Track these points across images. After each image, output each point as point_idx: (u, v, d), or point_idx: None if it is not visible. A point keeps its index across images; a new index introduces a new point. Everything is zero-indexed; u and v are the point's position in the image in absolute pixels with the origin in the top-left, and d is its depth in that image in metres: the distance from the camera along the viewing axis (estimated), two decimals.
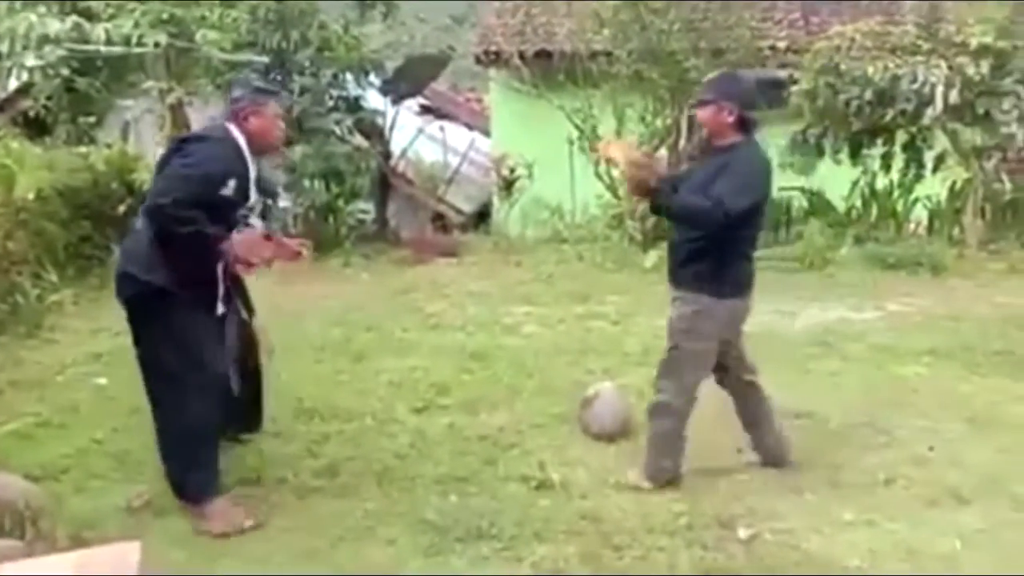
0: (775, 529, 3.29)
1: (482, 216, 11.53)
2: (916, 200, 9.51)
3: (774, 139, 9.16)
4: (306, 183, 9.46)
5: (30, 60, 8.76)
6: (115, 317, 6.27)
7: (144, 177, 7.56)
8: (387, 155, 10.70)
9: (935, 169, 8.95)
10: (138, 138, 10.12)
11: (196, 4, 8.79)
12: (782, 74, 9.00)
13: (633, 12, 9.15)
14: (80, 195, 7.74)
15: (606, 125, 9.60)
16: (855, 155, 9.01)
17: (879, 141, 8.96)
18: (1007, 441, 4.10)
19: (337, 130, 9.66)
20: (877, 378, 5.05)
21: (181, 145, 3.38)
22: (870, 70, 8.17)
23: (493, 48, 11.13)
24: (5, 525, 3.14)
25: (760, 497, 3.55)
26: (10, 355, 5.53)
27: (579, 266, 8.45)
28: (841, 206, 9.73)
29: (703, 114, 3.51)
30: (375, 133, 10.54)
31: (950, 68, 8.01)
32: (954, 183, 9.11)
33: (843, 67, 8.38)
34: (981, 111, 8.13)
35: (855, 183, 9.58)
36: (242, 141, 3.39)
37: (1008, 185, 9.27)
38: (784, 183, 9.68)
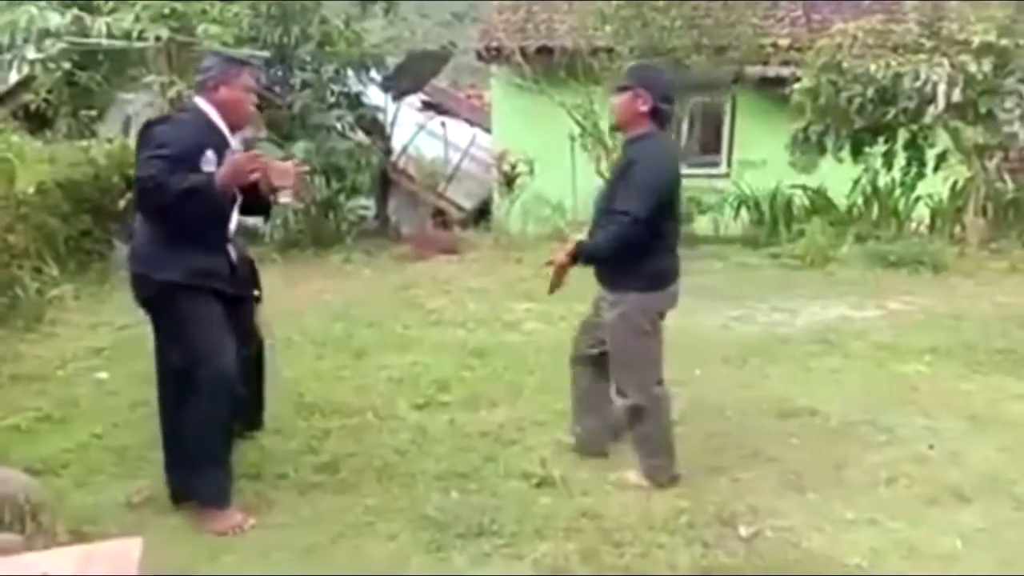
0: (776, 527, 3.29)
1: (483, 212, 11.52)
2: (918, 198, 9.51)
3: (777, 137, 9.21)
4: (307, 179, 9.45)
5: (31, 53, 8.75)
6: (116, 311, 6.33)
7: None
8: (388, 151, 10.70)
9: (937, 168, 8.95)
10: None
11: None
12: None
13: (635, 9, 9.15)
14: (81, 189, 7.73)
15: (607, 121, 9.58)
16: (857, 153, 9.00)
17: (881, 139, 8.95)
18: (1008, 440, 4.09)
19: (338, 126, 9.66)
20: (878, 376, 5.04)
21: (147, 131, 3.28)
22: (872, 68, 8.16)
23: (494, 44, 11.12)
24: (5, 519, 3.14)
25: (761, 495, 3.54)
26: (10, 349, 5.52)
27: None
28: (843, 204, 9.72)
29: (619, 100, 3.49)
30: (376, 129, 10.53)
31: (952, 66, 8.00)
32: (956, 182, 9.11)
33: (845, 65, 8.37)
34: (983, 110, 8.12)
35: (857, 181, 9.57)
36: (213, 113, 3.29)
37: (1010, 184, 9.28)
38: (786, 181, 9.72)
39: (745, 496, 3.53)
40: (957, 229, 9.18)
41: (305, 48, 9.30)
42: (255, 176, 3.15)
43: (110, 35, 8.13)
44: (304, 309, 6.55)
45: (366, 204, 10.64)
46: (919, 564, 3.06)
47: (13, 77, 10.32)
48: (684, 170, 10.55)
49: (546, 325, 6.17)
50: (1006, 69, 8.15)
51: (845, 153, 8.96)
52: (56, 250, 7.10)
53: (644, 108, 3.41)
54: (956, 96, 7.93)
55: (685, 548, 3.13)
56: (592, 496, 3.53)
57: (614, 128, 3.62)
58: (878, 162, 9.14)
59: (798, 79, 8.87)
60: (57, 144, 8.59)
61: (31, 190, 6.82)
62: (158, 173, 3.03)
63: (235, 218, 3.40)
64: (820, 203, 9.79)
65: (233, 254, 3.36)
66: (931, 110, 8.04)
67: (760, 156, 10.03)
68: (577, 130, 9.77)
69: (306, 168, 3.74)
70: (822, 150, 8.93)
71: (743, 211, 10.21)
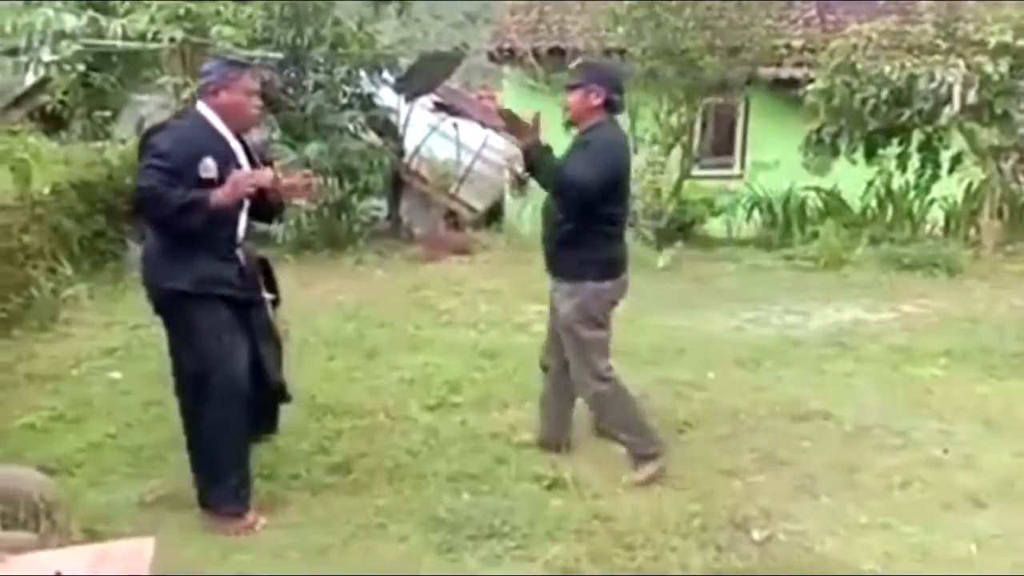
0: (789, 531, 3.27)
1: (494, 214, 11.52)
2: (932, 200, 9.44)
3: (791, 138, 9.17)
4: (320, 180, 9.47)
5: (47, 55, 8.82)
6: (129, 311, 6.36)
7: None
8: (400, 152, 10.71)
9: (951, 169, 8.88)
10: None
11: (211, 0, 8.81)
12: None
13: (647, 9, 9.12)
14: (95, 190, 7.77)
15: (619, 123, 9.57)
16: (871, 155, 8.94)
17: (895, 141, 8.89)
18: None
19: (351, 127, 9.68)
20: (892, 380, 5.01)
21: (146, 139, 3.28)
22: (887, 69, 8.11)
23: (507, 45, 11.13)
24: (20, 517, 3.15)
25: (774, 498, 3.53)
26: (25, 348, 5.56)
27: None
28: (856, 206, 9.67)
29: (572, 99, 3.56)
30: (388, 130, 10.55)
31: (968, 67, 7.93)
32: (971, 184, 9.04)
33: (859, 66, 8.32)
34: (999, 111, 8.05)
35: (871, 183, 9.52)
36: (213, 118, 3.26)
37: None
38: (800, 183, 9.68)
39: (758, 499, 3.52)
40: (972, 231, 9.11)
41: (318, 49, 9.32)
42: (253, 191, 3.18)
43: (125, 37, 8.18)
44: (317, 310, 6.56)
45: (378, 205, 10.65)
46: (933, 569, 3.04)
47: (29, 79, 10.41)
48: (697, 171, 10.49)
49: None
50: (1023, 70, 8.08)
51: (859, 155, 8.91)
52: (70, 250, 7.14)
53: (597, 102, 3.52)
54: (971, 97, 7.87)
55: (697, 551, 3.12)
56: (604, 498, 3.53)
57: (569, 125, 3.67)
58: (892, 164, 9.08)
59: (812, 80, 8.83)
60: (72, 145, 8.64)
61: (46, 191, 6.87)
62: (157, 185, 3.04)
63: (244, 222, 3.38)
64: (834, 205, 9.74)
65: (243, 258, 3.36)
66: (946, 111, 7.99)
67: (773, 157, 9.99)
68: None
69: (314, 178, 3.78)
70: (836, 152, 8.88)
71: (756, 213, 10.17)
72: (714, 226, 10.16)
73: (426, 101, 12.44)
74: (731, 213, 10.20)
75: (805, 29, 11.02)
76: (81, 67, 9.20)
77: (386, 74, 10.33)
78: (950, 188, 9.23)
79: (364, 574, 3.01)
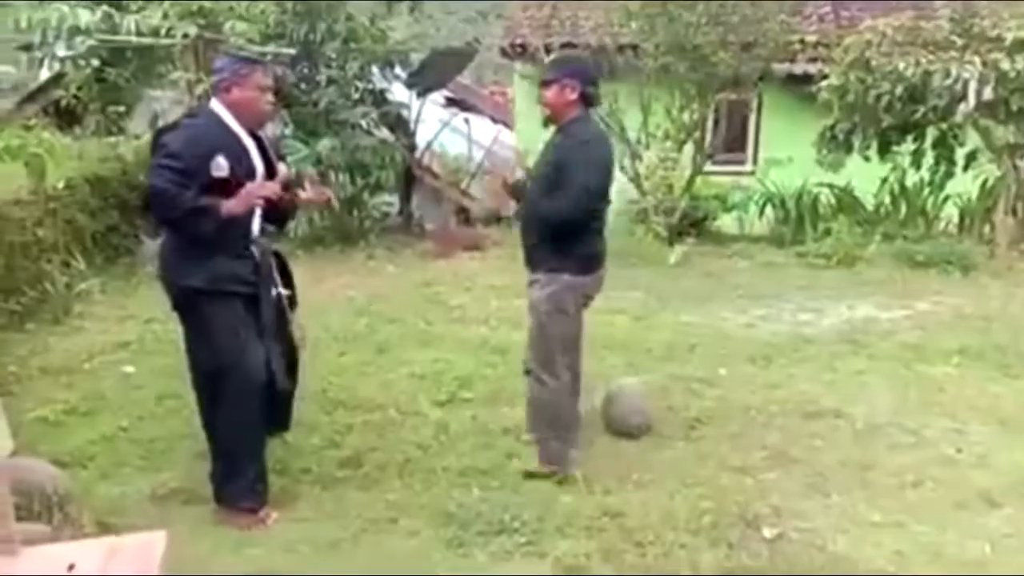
0: (800, 529, 3.26)
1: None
2: (947, 198, 9.36)
3: (804, 135, 9.12)
4: (332, 175, 9.49)
5: (61, 51, 8.85)
6: (142, 306, 6.40)
7: None
8: (412, 148, 10.71)
9: (966, 167, 8.80)
10: None
11: None
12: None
13: (660, 5, 9.07)
14: (109, 185, 7.82)
15: (632, 118, 9.55)
16: (885, 151, 8.87)
17: (909, 138, 8.82)
18: None
19: (363, 123, 9.68)
20: (905, 378, 4.98)
21: (158, 138, 3.30)
22: (901, 65, 8.03)
23: (519, 41, 11.11)
24: (34, 509, 3.18)
25: (786, 496, 3.52)
26: (39, 342, 5.60)
27: None
28: (870, 203, 9.61)
29: (548, 94, 3.56)
30: (400, 126, 10.55)
31: (984, 64, 7.85)
32: (986, 181, 8.96)
33: (874, 62, 8.25)
34: (1015, 108, 7.97)
35: (884, 180, 9.45)
36: (226, 115, 3.26)
37: None
38: (813, 179, 9.62)
39: (769, 497, 3.51)
40: (987, 229, 9.01)
41: (331, 45, 9.32)
42: (263, 203, 3.23)
43: (139, 32, 8.20)
44: (328, 305, 6.58)
45: (390, 201, 10.65)
46: (946, 569, 3.02)
47: (44, 74, 10.46)
48: (709, 168, 10.43)
49: None
50: None
51: (873, 151, 8.84)
52: (84, 245, 7.18)
53: (573, 96, 3.51)
54: (987, 94, 7.80)
55: (708, 548, 3.11)
56: (614, 495, 3.52)
57: (547, 121, 3.65)
58: (906, 161, 9.01)
59: (826, 76, 8.77)
60: (86, 140, 8.68)
61: (60, 186, 6.90)
62: (169, 187, 3.06)
63: (259, 218, 3.39)
64: (847, 202, 9.68)
65: (258, 255, 3.36)
66: (961, 108, 7.91)
67: (786, 154, 9.93)
68: (601, 127, 9.72)
69: (328, 195, 3.90)
70: (849, 148, 8.81)
71: (769, 209, 10.12)
72: (726, 222, 10.12)
73: (438, 97, 12.44)
74: (743, 209, 10.15)
75: (819, 25, 10.95)
76: (95, 62, 9.23)
77: (398, 70, 10.32)
78: (965, 185, 9.15)
79: (374, 569, 3.02)
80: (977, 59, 7.88)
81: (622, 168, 9.57)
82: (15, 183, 6.24)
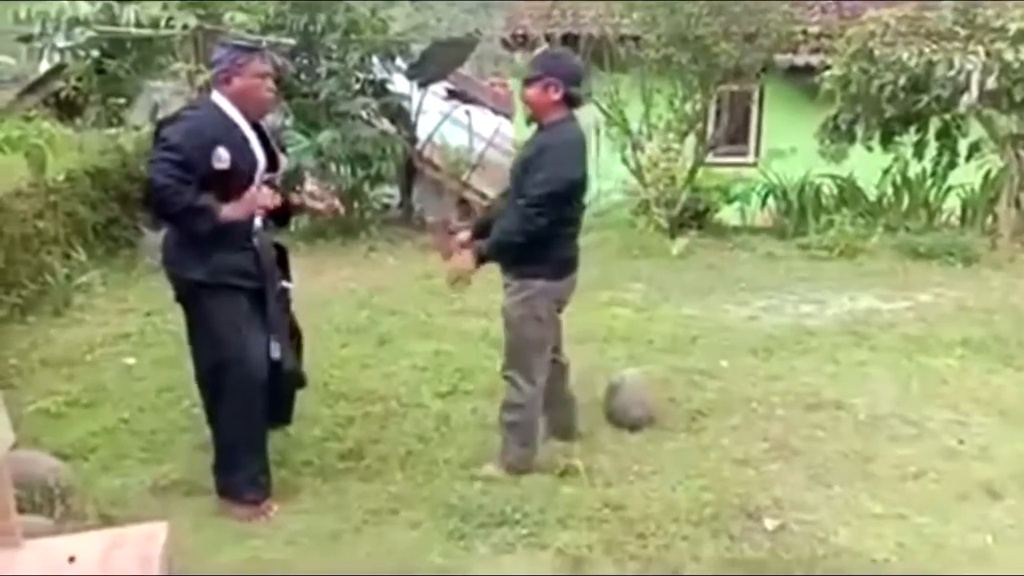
0: (802, 520, 3.26)
1: None
2: (949, 189, 9.34)
3: (806, 126, 9.09)
4: (332, 167, 9.48)
5: (61, 42, 8.84)
6: (143, 298, 6.39)
7: None
8: (413, 140, 10.69)
9: (969, 157, 8.78)
10: None
11: None
12: None
13: None
14: (109, 177, 7.80)
15: (633, 110, 9.52)
16: (887, 142, 8.84)
17: (912, 128, 8.79)
18: None
19: (364, 114, 9.66)
20: (907, 369, 4.97)
21: (159, 130, 3.28)
22: (904, 55, 8.00)
23: (520, 32, 11.06)
24: (35, 501, 3.18)
25: (787, 488, 3.51)
26: (40, 334, 5.60)
27: (603, 252, 8.38)
28: (872, 194, 9.58)
29: (530, 92, 3.45)
30: (401, 117, 10.53)
31: (988, 54, 7.81)
32: (989, 172, 8.94)
33: (877, 53, 8.21)
34: (1019, 98, 7.93)
35: (887, 171, 9.42)
36: (227, 106, 3.24)
37: None
38: (815, 170, 9.59)
39: (771, 489, 3.50)
40: (989, 220, 9.00)
41: (331, 36, 9.29)
42: (262, 212, 3.23)
43: (138, 23, 8.18)
44: (330, 297, 6.57)
45: (391, 193, 10.64)
46: (948, 560, 3.02)
47: (44, 65, 10.44)
48: (711, 159, 10.38)
49: (569, 315, 6.12)
50: None
51: (875, 142, 8.82)
52: (85, 237, 7.17)
53: (556, 96, 3.40)
54: (990, 84, 7.76)
55: (710, 540, 3.11)
56: (615, 486, 3.52)
57: (530, 120, 3.57)
58: (909, 151, 8.99)
59: (828, 67, 8.73)
60: (87, 132, 8.66)
61: (61, 177, 6.89)
62: (170, 183, 3.03)
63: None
64: (849, 193, 9.65)
65: (259, 247, 3.34)
66: (964, 99, 7.87)
67: (788, 145, 9.90)
68: (602, 118, 9.70)
69: (337, 207, 4.10)
70: (852, 139, 8.78)
71: (771, 201, 10.10)
72: (728, 214, 10.10)
73: (439, 88, 12.42)
74: (745, 201, 10.13)
75: (822, 15, 10.90)
76: (95, 54, 9.21)
77: (399, 61, 10.30)
78: (967, 176, 9.13)
79: (376, 560, 3.02)
80: (980, 49, 7.84)
81: (624, 160, 9.57)
82: (16, 175, 6.22)
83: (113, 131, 8.78)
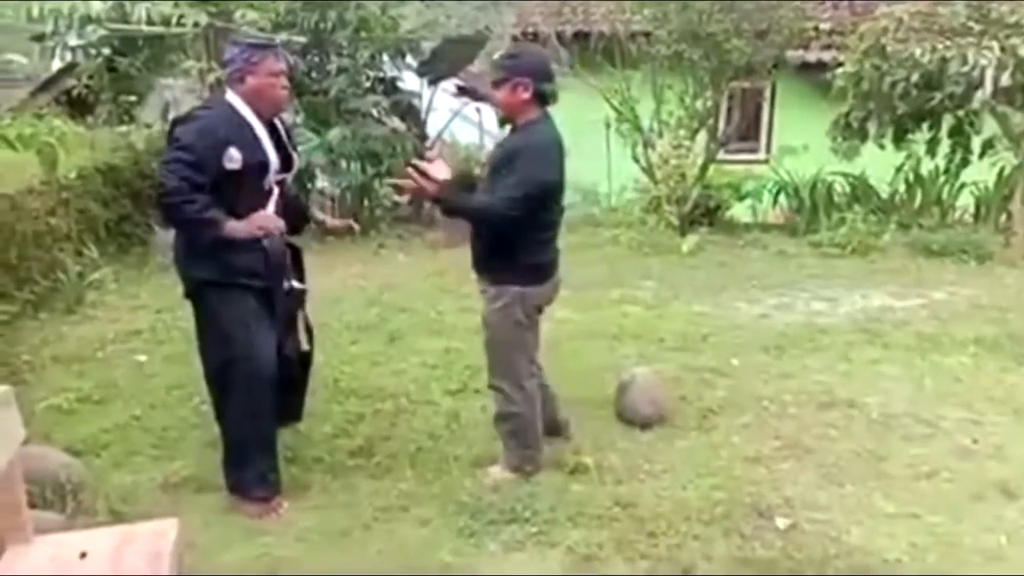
0: (814, 520, 3.24)
1: None
2: (962, 186, 9.28)
3: (818, 123, 9.04)
4: (343, 164, 9.48)
5: (73, 40, 8.87)
6: (154, 295, 6.41)
7: None
8: (423, 137, 10.69)
9: (983, 154, 8.71)
10: None
11: None
12: None
13: None
14: (121, 174, 7.84)
15: (644, 106, 9.49)
16: (900, 139, 8.79)
17: (925, 125, 8.73)
18: None
19: (374, 112, 9.66)
20: (920, 368, 4.93)
21: (172, 130, 3.27)
22: (917, 52, 7.94)
23: (530, 29, 11.05)
24: (47, 497, 3.20)
25: (799, 487, 3.49)
26: (52, 331, 5.62)
27: (614, 250, 8.38)
28: (884, 191, 9.52)
29: (500, 95, 3.36)
30: (411, 115, 10.52)
31: (1002, 50, 7.74)
32: (1002, 169, 8.86)
33: (889, 49, 8.16)
34: None
35: (899, 168, 9.36)
36: (241, 106, 3.22)
37: None
38: (827, 168, 9.54)
39: (782, 488, 3.48)
40: (1003, 218, 8.93)
41: (341, 33, 9.29)
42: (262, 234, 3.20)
43: (149, 21, 8.20)
44: (340, 295, 6.58)
45: None
46: (961, 560, 2.99)
47: (56, 64, 10.48)
48: (722, 156, 10.31)
49: (579, 313, 6.13)
50: None
51: (888, 139, 8.76)
52: (97, 234, 7.21)
53: (526, 95, 3.31)
54: (1005, 80, 7.69)
55: (721, 539, 3.10)
56: (626, 484, 3.51)
57: (503, 122, 3.50)
58: (922, 149, 8.92)
59: (840, 64, 8.68)
60: (98, 129, 8.70)
61: (72, 175, 6.92)
62: (182, 185, 3.02)
63: (272, 212, 3.34)
64: (861, 190, 9.59)
65: (269, 248, 3.33)
66: (978, 95, 7.80)
67: (800, 142, 9.85)
68: (613, 115, 9.68)
69: (351, 224, 4.07)
70: (864, 136, 8.72)
71: (782, 198, 10.05)
72: (739, 211, 10.06)
73: (448, 85, 12.40)
74: (757, 198, 10.08)
75: (834, 11, 10.85)
76: (107, 52, 9.24)
77: (409, 58, 10.29)
78: (981, 174, 9.06)
79: (386, 557, 3.01)
80: (995, 45, 7.77)
81: (635, 158, 9.55)
82: (28, 172, 6.25)
83: (124, 129, 8.82)
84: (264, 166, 3.26)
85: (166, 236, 6.02)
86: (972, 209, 9.37)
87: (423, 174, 3.29)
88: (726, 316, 6.09)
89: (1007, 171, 8.81)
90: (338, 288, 6.80)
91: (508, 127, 3.49)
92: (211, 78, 8.24)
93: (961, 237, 8.18)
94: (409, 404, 4.39)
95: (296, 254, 3.57)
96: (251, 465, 3.31)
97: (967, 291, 6.72)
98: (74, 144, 7.26)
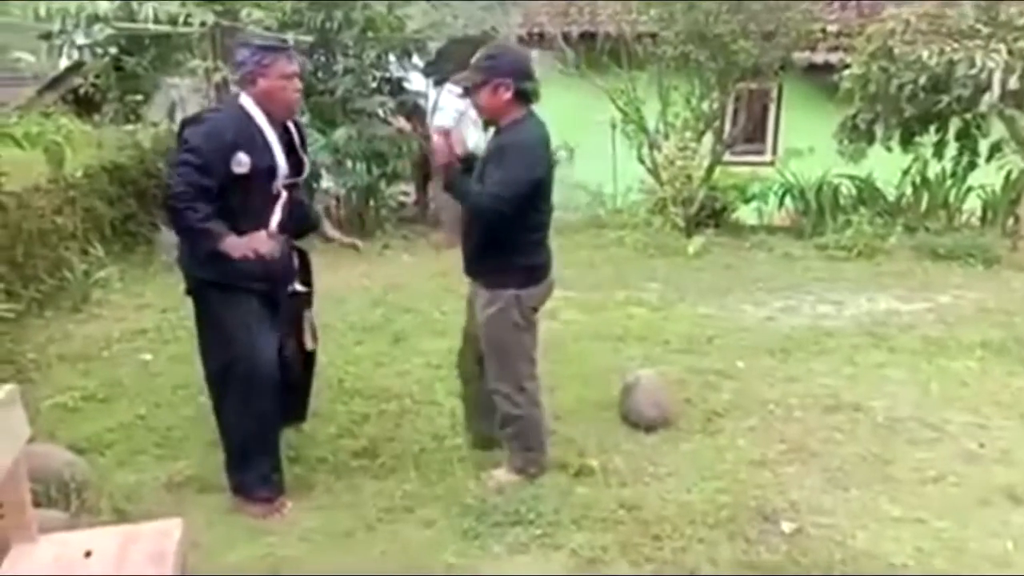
0: (819, 524, 3.23)
1: None
2: (969, 189, 9.25)
3: (825, 125, 9.02)
4: (348, 164, 9.48)
5: (80, 39, 8.88)
6: (160, 294, 6.42)
7: None
8: (428, 137, 10.67)
9: (990, 158, 8.68)
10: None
11: None
12: None
13: None
14: (127, 173, 7.85)
15: (650, 108, 9.48)
16: (907, 142, 8.76)
17: (932, 128, 8.70)
18: None
19: (380, 112, 9.66)
20: (926, 371, 4.92)
21: (181, 131, 3.25)
22: (925, 54, 7.91)
23: (537, 29, 11.03)
24: (51, 496, 3.20)
25: (805, 491, 3.48)
26: (58, 329, 5.63)
27: (620, 251, 8.37)
28: (891, 194, 9.50)
29: (480, 98, 3.33)
30: (417, 115, 10.52)
31: (1010, 52, 7.71)
32: (1010, 172, 8.84)
33: (897, 51, 8.13)
34: None
35: (906, 171, 9.33)
36: (252, 108, 3.19)
37: None
38: (833, 170, 9.52)
39: (788, 491, 3.47)
40: (1010, 221, 8.90)
41: (348, 33, 9.29)
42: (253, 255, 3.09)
43: (156, 20, 8.21)
44: (345, 295, 6.58)
45: (406, 190, 10.64)
46: (968, 566, 2.98)
47: (63, 62, 10.50)
48: (728, 157, 10.29)
49: (585, 314, 6.12)
50: None
51: (895, 142, 8.74)
52: (102, 233, 7.22)
53: (507, 95, 3.26)
54: (1013, 83, 7.66)
55: (726, 543, 3.08)
56: (630, 487, 3.50)
57: (488, 124, 3.47)
58: (929, 151, 8.90)
59: (847, 66, 8.66)
60: (105, 128, 8.72)
61: (79, 173, 6.93)
62: (188, 191, 3.00)
63: (278, 216, 3.32)
64: (868, 193, 9.57)
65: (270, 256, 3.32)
66: (986, 98, 7.77)
67: (806, 144, 9.83)
68: (619, 116, 9.67)
69: (354, 243, 4.11)
70: (871, 139, 8.71)
71: (788, 200, 10.03)
72: (745, 213, 10.04)
73: (454, 86, 12.39)
74: (763, 200, 10.06)
75: (841, 13, 10.80)
76: (113, 51, 9.25)
77: (415, 58, 10.29)
78: (988, 177, 9.03)
79: (390, 558, 3.01)
80: (1003, 48, 7.74)
81: (640, 159, 9.53)
82: (34, 170, 6.27)
83: (131, 127, 8.83)
84: (272, 171, 3.23)
85: (171, 235, 5.99)
86: (979, 212, 9.33)
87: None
88: (732, 318, 6.08)
89: (1014, 174, 8.78)
90: (343, 288, 6.79)
91: (492, 129, 3.45)
92: (217, 77, 8.25)
93: (968, 240, 8.16)
94: (413, 405, 4.38)
95: (303, 257, 3.56)
96: (253, 467, 3.31)
97: (974, 295, 6.70)
98: (81, 143, 7.26)
